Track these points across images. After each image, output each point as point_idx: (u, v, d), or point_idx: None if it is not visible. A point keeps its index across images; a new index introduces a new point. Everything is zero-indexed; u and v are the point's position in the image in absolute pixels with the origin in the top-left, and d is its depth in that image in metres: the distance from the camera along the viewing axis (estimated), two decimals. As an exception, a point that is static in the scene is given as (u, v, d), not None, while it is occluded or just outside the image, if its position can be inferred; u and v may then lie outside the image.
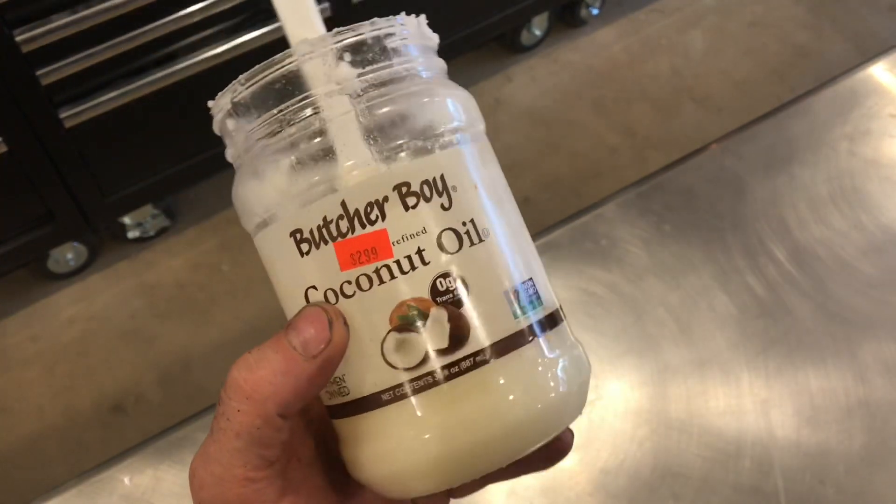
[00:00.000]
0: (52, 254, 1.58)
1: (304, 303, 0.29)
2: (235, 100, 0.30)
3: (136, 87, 1.38)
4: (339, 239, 0.28)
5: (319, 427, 0.33)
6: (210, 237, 1.68)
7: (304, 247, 0.28)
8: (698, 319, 0.65)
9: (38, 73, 1.28)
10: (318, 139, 0.28)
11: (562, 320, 0.32)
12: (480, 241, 0.29)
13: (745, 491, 0.57)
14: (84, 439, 1.41)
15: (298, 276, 0.29)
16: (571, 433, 0.31)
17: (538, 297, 0.30)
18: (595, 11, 2.05)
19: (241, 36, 1.42)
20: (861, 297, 0.66)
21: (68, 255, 1.61)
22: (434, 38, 0.32)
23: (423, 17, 0.31)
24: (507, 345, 0.28)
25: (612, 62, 1.98)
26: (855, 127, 0.77)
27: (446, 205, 0.28)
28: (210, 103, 0.31)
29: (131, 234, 1.67)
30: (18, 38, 1.23)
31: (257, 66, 0.29)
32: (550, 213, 1.67)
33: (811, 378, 0.62)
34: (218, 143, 0.36)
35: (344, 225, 0.28)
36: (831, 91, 0.80)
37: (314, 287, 0.28)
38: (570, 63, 1.99)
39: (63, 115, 1.34)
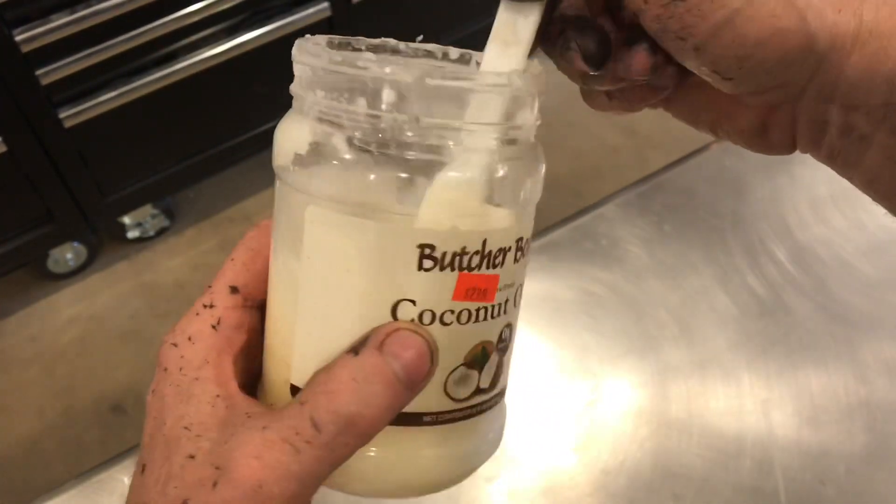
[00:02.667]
0: (51, 254, 1.58)
1: (387, 311, 0.28)
2: (429, 82, 0.27)
3: (135, 87, 1.38)
4: (466, 271, 0.28)
5: None
6: (210, 237, 1.68)
7: (427, 263, 0.27)
8: (699, 320, 0.65)
9: (38, 72, 1.28)
10: (487, 171, 0.28)
11: None
12: (520, 300, 0.32)
13: (746, 491, 0.57)
14: (84, 439, 1.41)
15: (400, 286, 0.28)
16: None
17: None
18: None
19: (241, 36, 1.42)
20: (861, 297, 0.66)
21: (68, 255, 1.61)
22: None
23: None
24: (503, 392, 0.33)
25: (612, 62, 1.97)
26: (855, 127, 0.76)
27: (524, 263, 0.31)
28: (377, 61, 0.27)
29: (131, 234, 1.67)
30: (18, 38, 1.23)
31: (461, 72, 0.28)
32: (550, 213, 1.67)
33: (812, 378, 0.62)
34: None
35: (475, 260, 0.28)
36: (832, 91, 0.80)
37: (412, 302, 0.28)
38: (569, 63, 1.99)
39: (63, 114, 1.35)
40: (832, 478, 0.57)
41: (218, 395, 0.29)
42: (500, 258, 0.29)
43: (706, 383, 0.62)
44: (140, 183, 1.54)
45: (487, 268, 0.28)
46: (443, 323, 0.28)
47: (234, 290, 0.31)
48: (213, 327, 0.31)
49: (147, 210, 1.65)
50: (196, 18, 1.36)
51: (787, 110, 0.29)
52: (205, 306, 0.31)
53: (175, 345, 0.30)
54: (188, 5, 1.35)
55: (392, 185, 0.27)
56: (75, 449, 1.40)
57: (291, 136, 0.28)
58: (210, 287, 0.32)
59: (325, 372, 0.28)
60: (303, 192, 0.28)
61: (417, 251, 0.27)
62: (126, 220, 1.64)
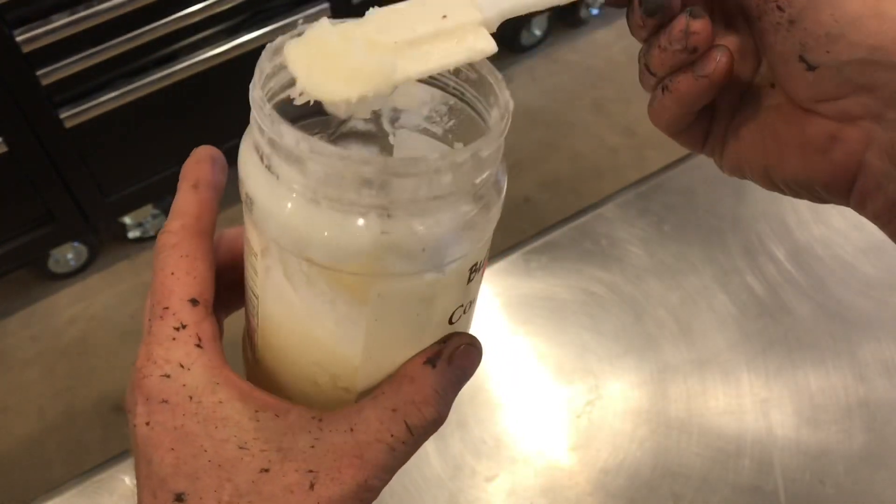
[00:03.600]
0: (52, 254, 1.58)
1: (446, 321, 0.32)
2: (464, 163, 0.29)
3: (136, 87, 1.38)
4: (486, 262, 0.33)
5: None
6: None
7: (472, 276, 0.32)
8: (698, 319, 0.65)
9: (39, 73, 1.28)
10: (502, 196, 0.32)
11: None
12: None
13: (745, 490, 0.57)
14: (84, 439, 1.41)
15: (456, 301, 0.32)
16: None
17: None
18: (595, 12, 2.05)
19: (241, 36, 1.42)
20: (861, 297, 0.66)
21: (68, 255, 1.61)
22: None
23: None
24: None
25: (612, 62, 1.97)
26: (855, 127, 0.76)
27: None
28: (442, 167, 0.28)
29: (132, 234, 1.67)
30: (19, 39, 1.23)
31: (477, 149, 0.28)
32: (550, 213, 1.67)
33: (811, 378, 0.62)
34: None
35: (488, 253, 0.33)
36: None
37: (461, 305, 0.32)
38: (570, 63, 1.99)
39: (63, 115, 1.35)
40: (831, 477, 0.57)
41: (257, 410, 0.29)
42: None
43: (705, 383, 0.62)
44: (141, 183, 1.54)
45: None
46: (472, 302, 0.34)
47: (194, 302, 0.31)
48: (198, 346, 0.30)
49: (148, 210, 1.65)
50: (196, 19, 1.36)
51: (862, 128, 0.28)
52: (176, 329, 0.31)
53: (168, 376, 0.30)
54: (188, 6, 1.35)
55: (458, 243, 0.29)
56: (76, 449, 1.40)
57: (362, 238, 0.28)
58: (167, 308, 0.31)
59: (409, 383, 0.31)
60: (367, 276, 0.29)
61: (467, 274, 0.31)
62: (127, 220, 1.64)
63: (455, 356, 0.32)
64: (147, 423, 0.29)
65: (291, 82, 0.31)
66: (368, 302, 0.29)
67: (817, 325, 0.65)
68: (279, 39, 0.31)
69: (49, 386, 1.48)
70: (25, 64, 1.26)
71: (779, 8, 0.27)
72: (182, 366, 0.30)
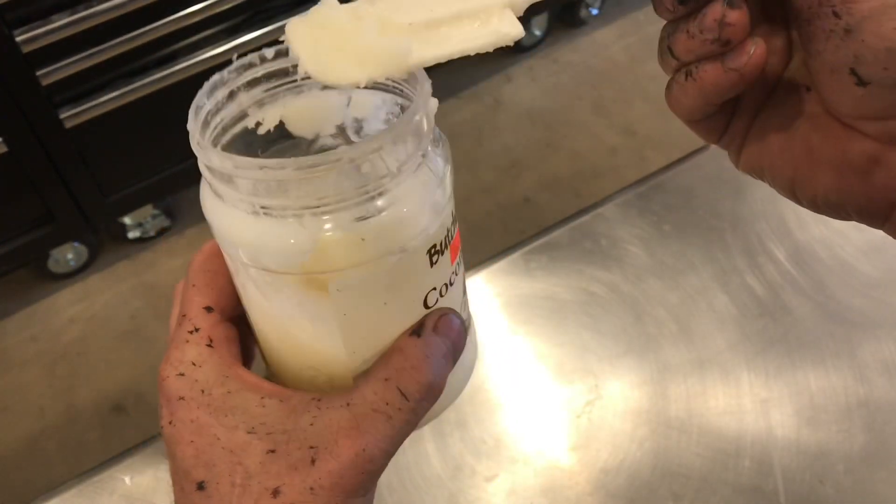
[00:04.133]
0: (52, 254, 1.59)
1: (420, 305, 0.33)
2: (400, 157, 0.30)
3: (136, 87, 1.38)
4: (451, 240, 0.33)
5: None
6: (210, 237, 1.68)
7: (435, 258, 0.32)
8: (698, 319, 0.65)
9: (39, 73, 1.28)
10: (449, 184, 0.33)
11: None
12: None
13: (745, 491, 0.57)
14: (84, 439, 1.41)
15: (423, 285, 0.32)
16: None
17: None
18: (595, 11, 2.05)
19: (241, 36, 1.42)
20: (861, 297, 0.66)
21: (68, 255, 1.61)
22: None
23: None
24: None
25: (612, 62, 1.98)
26: (855, 127, 0.76)
27: None
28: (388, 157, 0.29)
29: (131, 235, 1.67)
30: (18, 39, 1.23)
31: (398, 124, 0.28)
32: (550, 213, 1.67)
33: (811, 378, 0.62)
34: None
35: (453, 231, 0.33)
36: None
37: (434, 288, 0.33)
38: (570, 63, 1.99)
39: (63, 115, 1.35)
40: (831, 477, 0.57)
41: (262, 397, 0.31)
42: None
43: (705, 383, 0.62)
44: (141, 183, 1.54)
45: (454, 225, 0.33)
46: (450, 284, 0.34)
47: (209, 309, 0.34)
48: (209, 346, 0.33)
49: (148, 210, 1.65)
50: (196, 19, 1.37)
51: None
52: (190, 332, 0.33)
53: (182, 374, 0.32)
54: (188, 6, 1.35)
55: (399, 229, 0.30)
56: (75, 449, 1.40)
57: (302, 239, 0.29)
58: (185, 316, 0.34)
59: (398, 353, 0.32)
60: (319, 273, 0.30)
61: (427, 257, 0.31)
62: (127, 220, 1.65)
63: (439, 325, 0.33)
64: (170, 422, 0.32)
65: (243, 114, 0.32)
66: (331, 298, 0.30)
67: (817, 325, 0.65)
68: (216, 76, 0.32)
69: (49, 386, 1.48)
70: (25, 64, 1.27)
71: (835, 14, 0.25)
72: (194, 364, 0.32)
